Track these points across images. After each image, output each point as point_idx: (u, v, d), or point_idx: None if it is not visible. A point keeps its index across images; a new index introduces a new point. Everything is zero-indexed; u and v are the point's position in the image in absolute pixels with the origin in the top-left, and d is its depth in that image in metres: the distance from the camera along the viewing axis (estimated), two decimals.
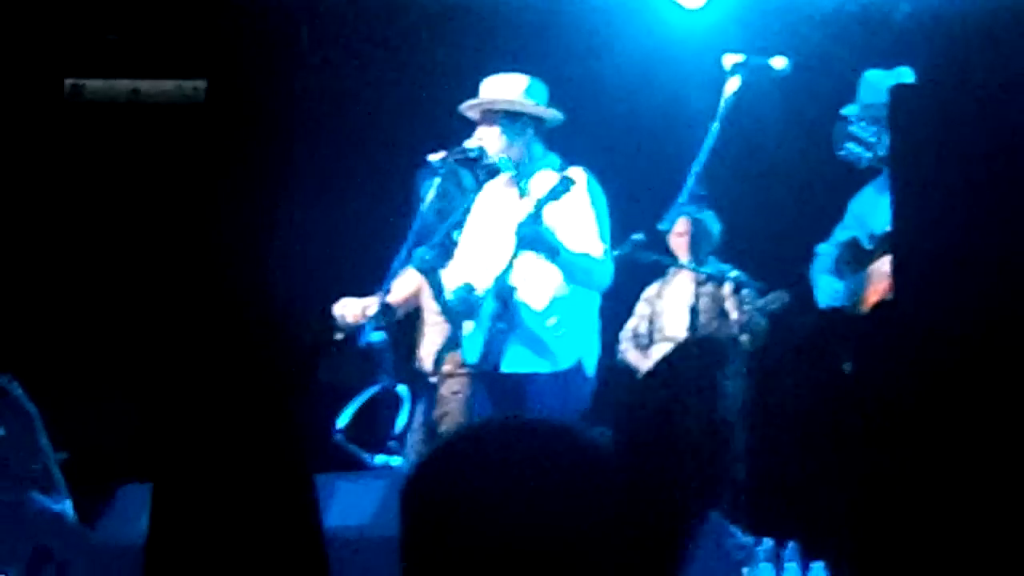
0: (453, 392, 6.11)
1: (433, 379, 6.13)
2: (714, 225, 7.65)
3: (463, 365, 6.05)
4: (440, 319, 6.18)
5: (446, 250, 6.19)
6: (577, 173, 6.03)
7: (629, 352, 7.76)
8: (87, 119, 6.94)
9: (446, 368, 6.09)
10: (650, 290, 7.82)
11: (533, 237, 5.87)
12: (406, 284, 6.28)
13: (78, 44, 6.83)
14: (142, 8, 6.89)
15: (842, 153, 5.90)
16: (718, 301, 7.54)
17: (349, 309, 6.12)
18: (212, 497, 2.56)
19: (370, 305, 6.01)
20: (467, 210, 6.24)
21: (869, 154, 5.83)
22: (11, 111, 7.48)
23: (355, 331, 6.00)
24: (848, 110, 6.31)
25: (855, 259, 6.18)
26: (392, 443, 5.85)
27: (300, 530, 2.57)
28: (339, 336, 6.09)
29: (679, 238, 7.58)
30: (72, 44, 6.88)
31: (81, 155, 7.68)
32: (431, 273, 6.12)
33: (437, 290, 6.11)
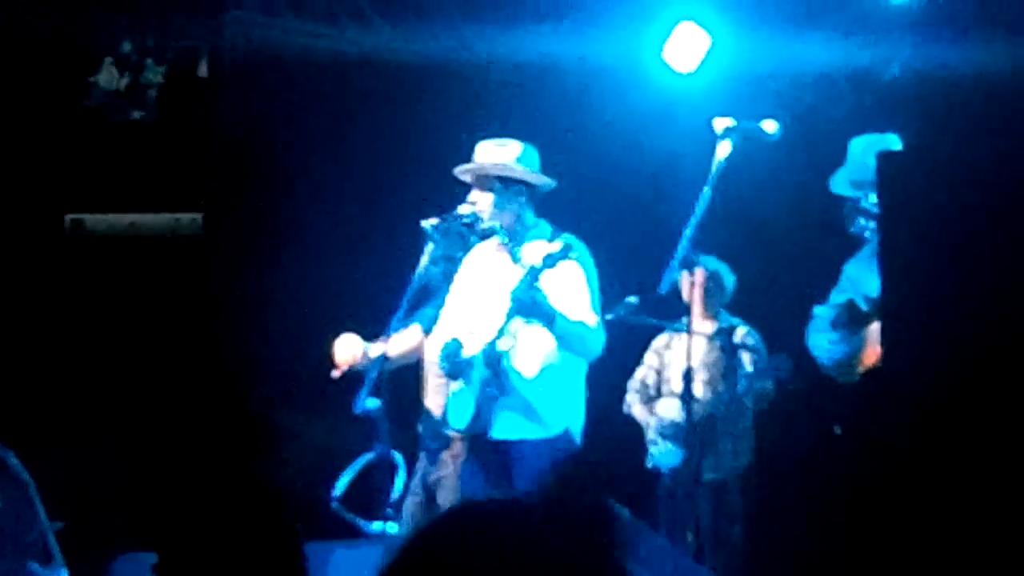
0: (453, 456, 6.13)
1: (435, 442, 6.13)
2: (728, 278, 7.57)
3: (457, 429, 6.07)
4: (444, 381, 6.21)
5: None
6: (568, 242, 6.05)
7: (635, 407, 7.67)
8: (88, 252, 6.97)
9: (451, 431, 6.11)
10: (659, 340, 7.73)
11: (529, 304, 5.88)
12: (404, 341, 6.31)
13: (77, 181, 6.87)
14: (138, 145, 6.95)
15: (855, 231, 5.95)
16: (726, 357, 7.45)
17: (349, 347, 6.14)
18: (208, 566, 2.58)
19: (370, 349, 6.03)
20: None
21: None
22: (13, 247, 7.49)
23: (351, 374, 6.04)
24: (837, 178, 6.33)
25: (852, 321, 6.19)
26: (388, 510, 5.84)
27: None
28: (335, 374, 6.12)
29: (693, 288, 7.35)
30: (71, 181, 6.91)
31: (82, 283, 7.67)
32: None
33: None
